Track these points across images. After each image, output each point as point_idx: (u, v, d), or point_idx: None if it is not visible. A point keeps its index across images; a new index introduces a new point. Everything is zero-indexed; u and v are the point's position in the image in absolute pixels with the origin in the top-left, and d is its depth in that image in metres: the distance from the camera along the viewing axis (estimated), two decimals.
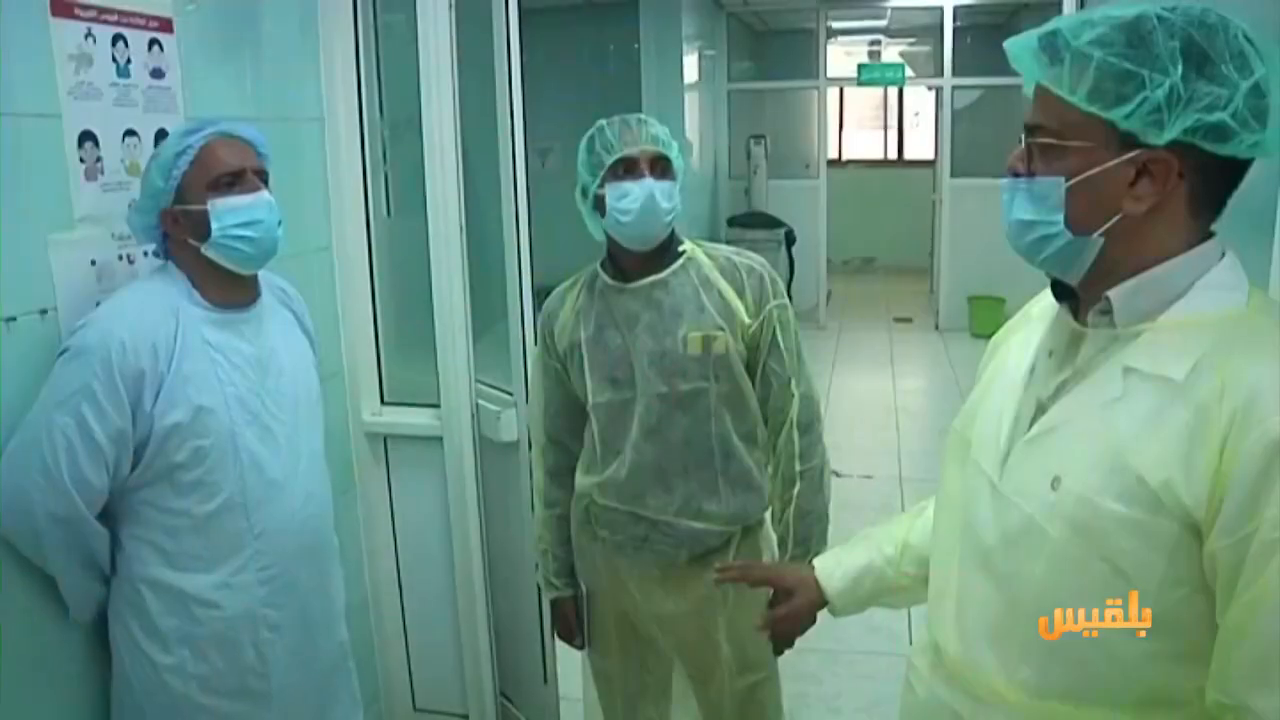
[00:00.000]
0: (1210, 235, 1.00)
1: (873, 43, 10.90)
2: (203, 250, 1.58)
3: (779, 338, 1.82)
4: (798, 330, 1.86)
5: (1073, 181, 0.98)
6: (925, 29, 9.55)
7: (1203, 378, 0.91)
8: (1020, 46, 1.01)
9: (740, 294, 1.81)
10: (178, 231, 1.59)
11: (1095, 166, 0.96)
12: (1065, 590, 0.98)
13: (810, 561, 1.47)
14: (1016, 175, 1.03)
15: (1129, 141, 0.95)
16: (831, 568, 1.43)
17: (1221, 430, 0.88)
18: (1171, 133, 0.92)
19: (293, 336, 1.78)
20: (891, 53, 10.81)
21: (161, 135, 1.76)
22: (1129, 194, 0.96)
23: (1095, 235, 0.98)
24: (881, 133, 11.99)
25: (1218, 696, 0.91)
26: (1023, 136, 1.03)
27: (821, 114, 8.57)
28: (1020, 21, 8.48)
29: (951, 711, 1.11)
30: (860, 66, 8.77)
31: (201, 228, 1.57)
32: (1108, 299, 0.99)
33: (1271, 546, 0.85)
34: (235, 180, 1.58)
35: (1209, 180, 0.97)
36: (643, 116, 1.80)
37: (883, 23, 9.60)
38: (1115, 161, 0.95)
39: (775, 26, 9.72)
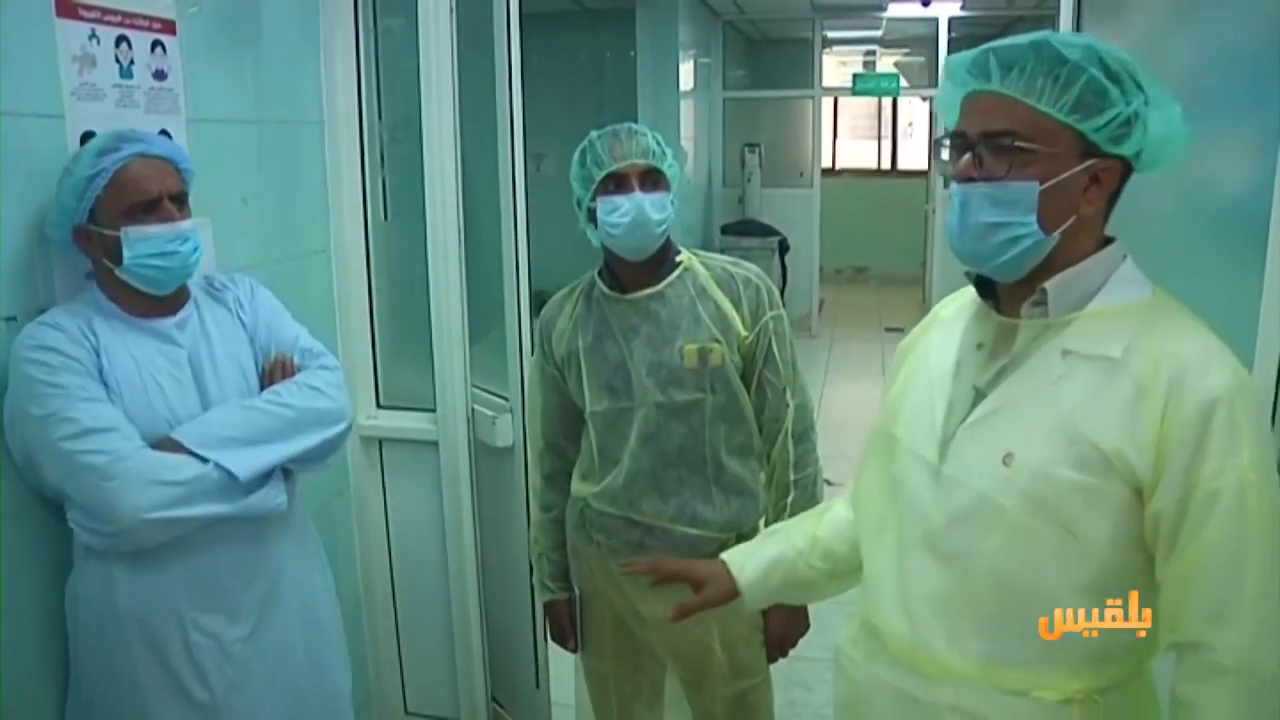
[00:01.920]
0: (1111, 239, 1.12)
1: (868, 53, 10.96)
2: (116, 272, 1.54)
3: (775, 349, 1.83)
4: (793, 340, 1.88)
5: (1046, 185, 1.05)
6: (920, 40, 9.61)
7: (1137, 355, 1.03)
8: (974, 59, 1.10)
9: (737, 305, 1.82)
10: (92, 250, 1.55)
11: (1064, 172, 1.05)
12: (1019, 559, 1.07)
13: (720, 556, 1.50)
14: (970, 180, 1.09)
15: (1090, 150, 1.05)
16: (743, 560, 1.47)
17: (1161, 399, 1.00)
18: (1133, 146, 1.05)
19: (228, 328, 1.71)
20: (886, 63, 10.87)
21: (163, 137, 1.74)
22: (1084, 198, 1.07)
23: (1055, 235, 1.07)
24: (875, 142, 12.04)
25: (1172, 637, 1.01)
26: (972, 143, 1.08)
27: (816, 123, 8.59)
28: (1015, 33, 8.52)
29: (896, 691, 1.17)
30: (855, 76, 8.80)
31: (114, 253, 1.52)
32: (1044, 290, 1.09)
33: (1212, 497, 0.97)
34: (151, 208, 1.53)
35: (1119, 189, 1.10)
36: (634, 127, 1.80)
37: (878, 33, 9.64)
38: (1080, 168, 1.06)
39: (771, 35, 9.76)
